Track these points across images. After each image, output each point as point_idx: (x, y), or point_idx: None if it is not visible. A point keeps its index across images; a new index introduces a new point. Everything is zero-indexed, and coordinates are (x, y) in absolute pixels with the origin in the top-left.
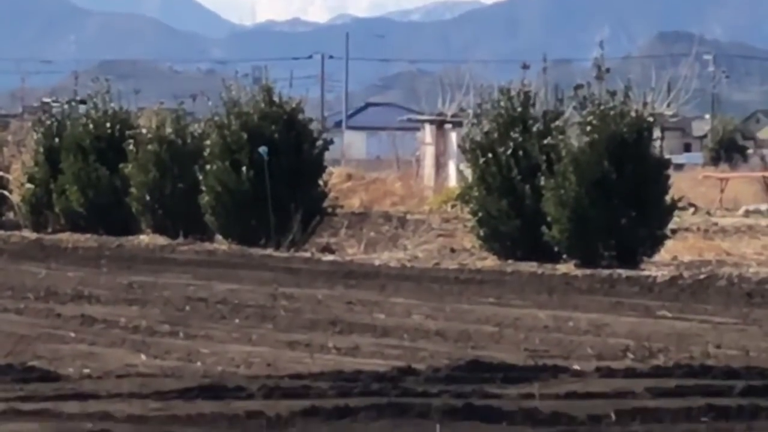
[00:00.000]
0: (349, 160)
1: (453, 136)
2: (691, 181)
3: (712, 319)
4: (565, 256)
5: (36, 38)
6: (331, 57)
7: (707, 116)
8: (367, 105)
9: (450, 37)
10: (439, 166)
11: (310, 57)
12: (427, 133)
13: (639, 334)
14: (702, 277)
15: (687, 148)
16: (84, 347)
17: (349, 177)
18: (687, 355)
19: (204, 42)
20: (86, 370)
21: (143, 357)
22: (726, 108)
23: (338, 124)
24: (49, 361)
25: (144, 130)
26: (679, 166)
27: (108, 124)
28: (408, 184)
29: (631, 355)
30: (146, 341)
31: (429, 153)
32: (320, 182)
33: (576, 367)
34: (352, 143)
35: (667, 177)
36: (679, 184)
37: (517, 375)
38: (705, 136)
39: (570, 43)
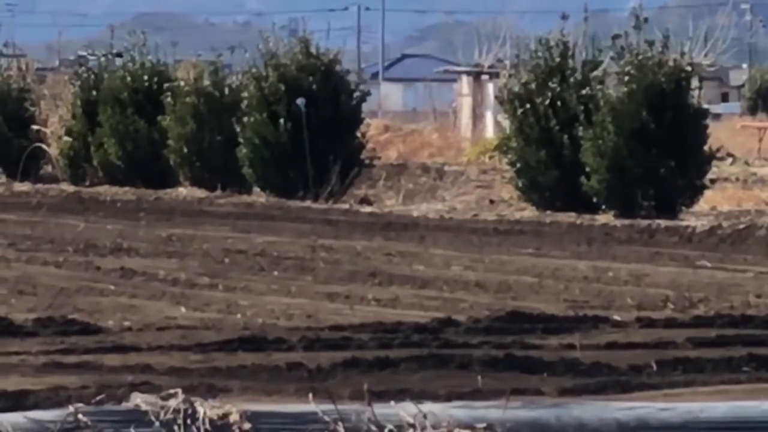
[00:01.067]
0: (386, 111)
1: (490, 88)
2: (729, 130)
3: (753, 269)
4: (603, 206)
5: None
6: (367, 8)
7: (744, 66)
8: (404, 56)
9: None
10: (476, 117)
11: (346, 9)
12: (464, 84)
13: (679, 284)
14: (741, 227)
15: (724, 97)
16: (124, 300)
17: (387, 128)
18: (727, 305)
19: None
20: (126, 323)
21: (183, 309)
22: (763, 57)
23: (375, 76)
24: (89, 313)
25: (182, 83)
26: (717, 116)
27: (145, 77)
28: (445, 136)
29: (671, 306)
30: (186, 293)
31: (466, 104)
32: (358, 134)
33: (616, 317)
34: (389, 95)
35: (706, 127)
36: (717, 134)
37: (557, 326)
38: (742, 85)
39: None
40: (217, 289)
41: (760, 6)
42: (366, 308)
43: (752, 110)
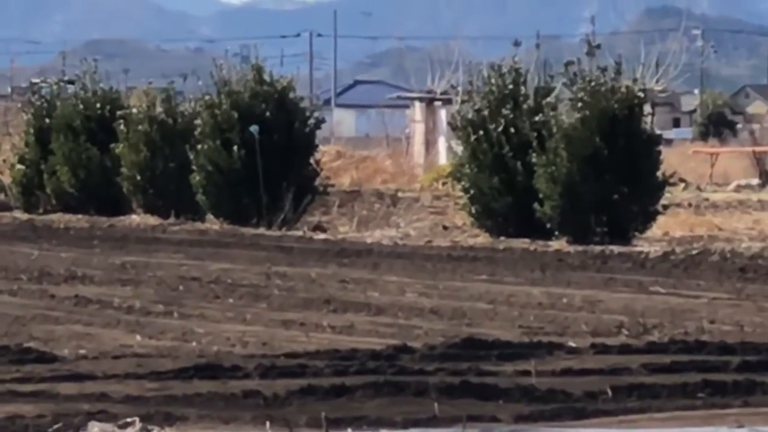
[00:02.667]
0: (339, 138)
1: (443, 114)
2: (681, 156)
3: (706, 295)
4: (557, 232)
5: (23, 18)
6: (319, 35)
7: (696, 91)
8: (356, 83)
9: (439, 13)
10: (429, 143)
11: (298, 35)
12: (417, 110)
13: (633, 310)
14: (694, 252)
15: (676, 123)
16: (79, 328)
17: (339, 155)
18: (682, 331)
19: (191, 21)
20: (82, 351)
21: (138, 337)
22: (715, 83)
23: (327, 102)
24: (45, 342)
25: (134, 110)
26: (669, 142)
27: (98, 104)
28: (398, 162)
29: (625, 332)
30: (141, 321)
31: (419, 130)
32: (312, 161)
33: (571, 343)
34: (341, 121)
35: (659, 153)
36: (669, 160)
37: (512, 352)
38: (694, 111)
39: (558, 18)
40: (172, 317)
41: (711, 32)
42: (321, 335)
43: (704, 135)
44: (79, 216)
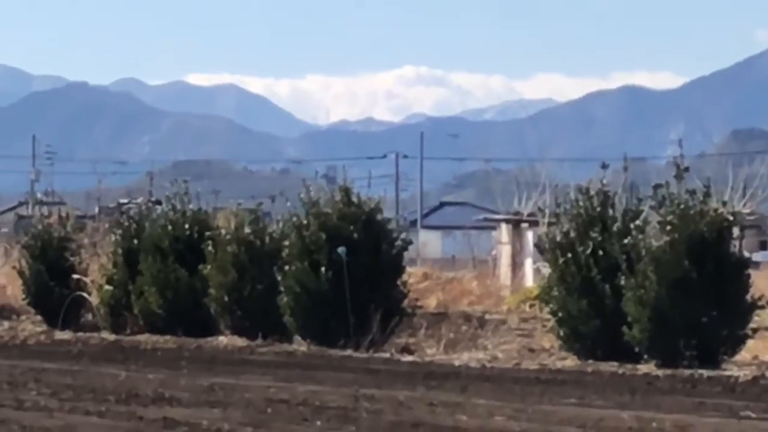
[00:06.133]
0: (425, 259)
1: (529, 235)
2: None
3: None
4: (645, 356)
5: (110, 139)
6: (405, 156)
7: None
8: (442, 204)
9: (524, 135)
10: (516, 265)
11: (384, 156)
12: (503, 232)
13: None
14: None
15: (763, 245)
16: None
17: (426, 276)
18: None
19: (278, 142)
20: None
21: None
22: None
23: (413, 224)
24: None
25: (222, 231)
26: (756, 264)
27: (186, 225)
28: (484, 284)
29: None
30: None
31: (505, 252)
32: (399, 282)
33: None
34: (428, 242)
35: (748, 276)
36: (757, 283)
37: None
38: None
39: (644, 140)
40: None
41: None
42: None
43: None
44: (167, 337)
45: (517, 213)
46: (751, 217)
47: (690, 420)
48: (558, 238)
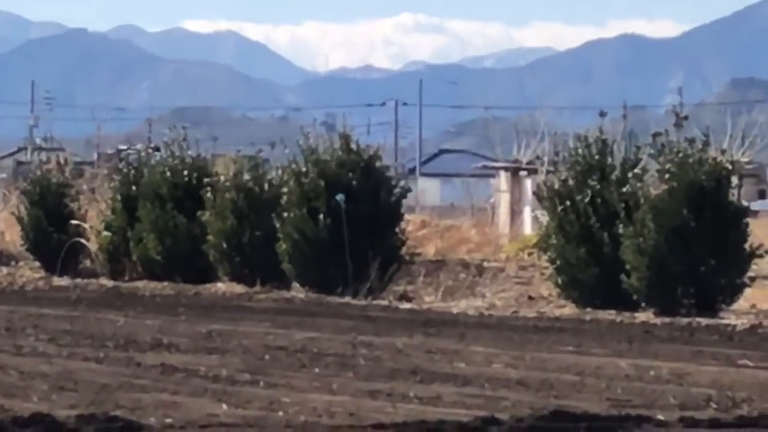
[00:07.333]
0: (424, 207)
1: (528, 183)
2: (767, 228)
3: None
4: (643, 304)
5: (109, 85)
6: (404, 104)
7: None
8: (441, 152)
9: (523, 83)
10: (514, 213)
11: (384, 104)
12: (502, 180)
13: (721, 383)
14: None
15: (762, 194)
16: (165, 396)
17: (424, 224)
18: None
19: (277, 89)
20: (168, 420)
21: (225, 407)
22: None
23: (412, 171)
24: (131, 410)
25: (222, 178)
26: (755, 213)
27: (185, 172)
28: (483, 231)
29: (714, 405)
30: (227, 390)
31: (504, 200)
32: (397, 230)
33: (659, 416)
34: (426, 190)
35: (746, 225)
36: (755, 232)
37: (600, 425)
38: None
39: (643, 89)
40: (259, 386)
41: None
42: (408, 406)
43: None
44: (165, 283)
45: (515, 161)
46: (750, 166)
47: (687, 368)
48: (556, 186)
